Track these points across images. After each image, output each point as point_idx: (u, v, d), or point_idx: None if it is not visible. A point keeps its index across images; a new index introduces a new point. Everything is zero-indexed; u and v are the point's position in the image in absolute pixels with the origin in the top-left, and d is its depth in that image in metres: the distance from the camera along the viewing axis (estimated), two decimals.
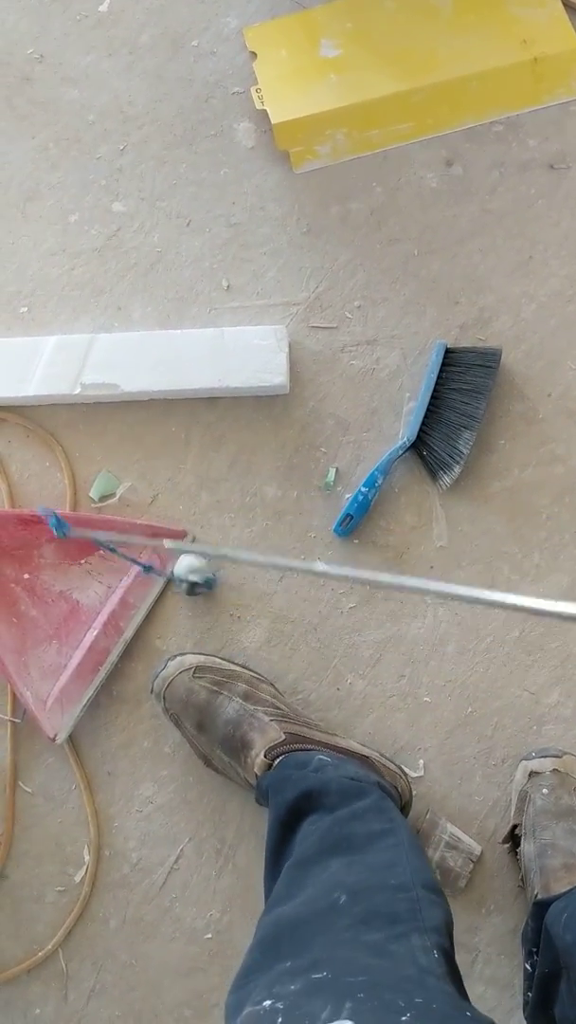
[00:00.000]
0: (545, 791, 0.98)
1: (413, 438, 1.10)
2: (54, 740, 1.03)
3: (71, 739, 1.06)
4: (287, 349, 1.12)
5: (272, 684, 1.04)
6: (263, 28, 1.25)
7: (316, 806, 0.85)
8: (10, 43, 1.27)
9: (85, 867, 1.05)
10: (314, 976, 0.59)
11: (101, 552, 1.09)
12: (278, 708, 0.99)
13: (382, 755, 1.00)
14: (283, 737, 0.95)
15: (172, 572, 1.06)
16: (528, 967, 0.91)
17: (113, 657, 1.07)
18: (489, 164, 1.21)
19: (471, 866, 1.02)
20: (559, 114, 1.22)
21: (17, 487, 1.13)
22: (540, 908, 0.89)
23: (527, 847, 0.96)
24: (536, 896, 0.92)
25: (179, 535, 1.10)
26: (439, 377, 1.10)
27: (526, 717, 1.06)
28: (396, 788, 0.97)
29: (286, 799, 0.86)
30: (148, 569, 1.05)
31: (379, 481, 1.09)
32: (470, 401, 1.10)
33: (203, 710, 0.98)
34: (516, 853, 1.00)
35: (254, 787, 0.96)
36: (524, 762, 1.02)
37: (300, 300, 1.17)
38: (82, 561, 1.09)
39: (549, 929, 0.85)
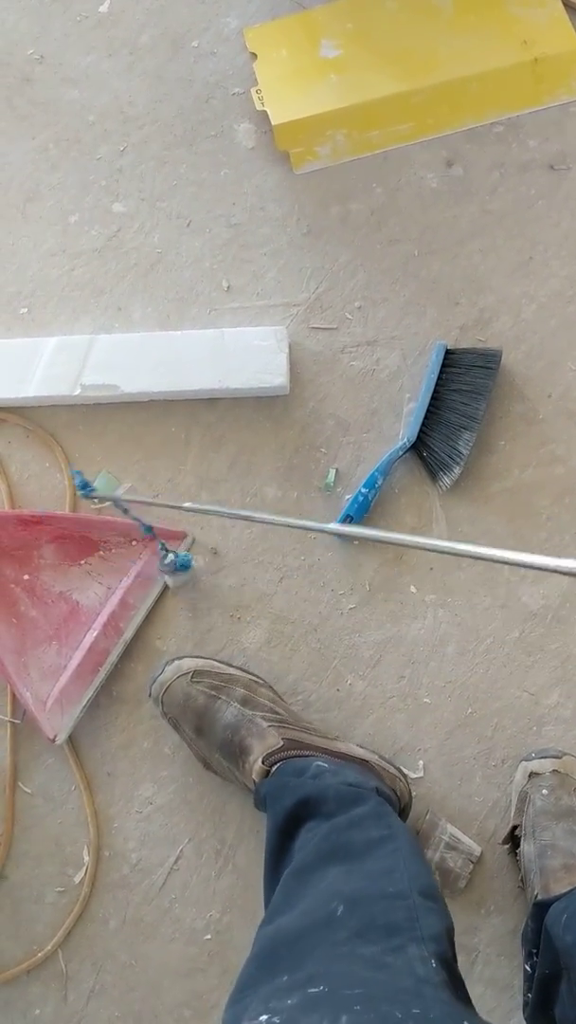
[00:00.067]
0: (545, 792, 0.98)
1: (413, 439, 1.10)
2: (54, 741, 1.03)
3: (71, 740, 1.06)
4: (287, 350, 1.12)
5: (271, 687, 1.04)
6: (263, 29, 1.25)
7: (314, 813, 0.85)
8: (10, 43, 1.27)
9: (85, 868, 1.05)
10: (311, 990, 0.59)
11: (101, 553, 1.09)
12: (276, 713, 0.98)
13: (381, 757, 1.00)
14: (281, 743, 0.95)
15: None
16: (528, 968, 0.91)
17: (113, 658, 1.07)
18: (489, 165, 1.21)
19: (471, 867, 1.02)
20: (559, 115, 1.22)
21: (17, 488, 1.13)
22: (540, 909, 0.89)
23: (527, 848, 0.96)
24: (536, 897, 0.92)
25: (179, 536, 1.10)
26: (439, 378, 1.10)
27: (526, 718, 1.06)
28: (395, 792, 0.97)
29: (284, 806, 0.86)
30: (148, 529, 1.02)
31: (379, 482, 1.09)
32: (470, 402, 1.10)
33: (201, 715, 0.98)
34: (516, 854, 1.00)
35: (253, 792, 0.96)
36: (524, 763, 1.02)
37: (300, 301, 1.17)
38: (82, 562, 1.09)
39: (549, 930, 0.85)
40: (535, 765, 1.00)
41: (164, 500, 1.09)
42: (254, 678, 1.03)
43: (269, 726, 0.96)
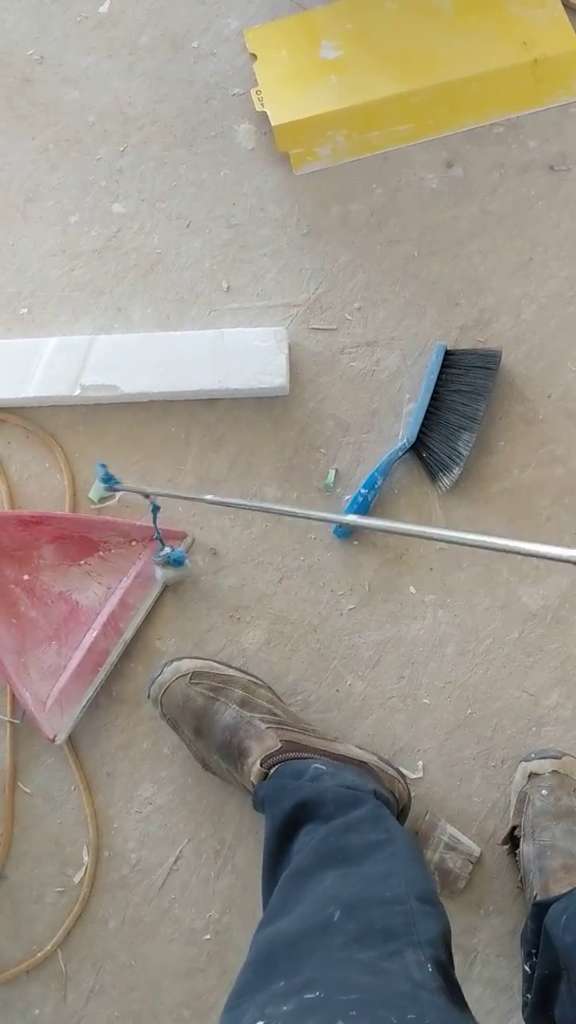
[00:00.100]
0: (544, 792, 0.98)
1: (413, 440, 1.10)
2: (54, 741, 1.03)
3: (70, 740, 1.06)
4: (287, 351, 1.12)
5: (270, 688, 1.04)
6: (263, 29, 1.26)
7: (312, 816, 0.85)
8: (10, 44, 1.27)
9: (84, 868, 1.05)
10: (307, 996, 0.59)
11: (100, 553, 1.09)
12: (275, 714, 0.98)
13: (380, 759, 1.00)
14: (279, 745, 0.95)
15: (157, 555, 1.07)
16: (527, 968, 0.91)
17: (113, 658, 1.07)
18: (489, 165, 1.21)
19: (470, 867, 1.02)
20: (559, 116, 1.22)
21: (17, 488, 1.13)
22: (539, 909, 0.89)
23: (526, 848, 0.96)
24: (535, 897, 0.92)
25: (179, 536, 1.10)
26: (439, 379, 1.10)
27: (525, 718, 1.06)
28: (394, 793, 0.97)
29: (282, 809, 0.86)
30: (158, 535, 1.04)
31: (379, 482, 1.09)
32: (470, 403, 1.10)
33: (200, 717, 0.98)
34: (515, 854, 1.00)
35: (251, 794, 0.96)
36: (523, 763, 1.02)
37: (300, 301, 1.17)
38: (82, 562, 1.09)
39: (549, 930, 0.85)
40: (534, 766, 1.00)
41: (186, 492, 1.09)
42: (253, 679, 1.03)
43: (267, 728, 0.96)
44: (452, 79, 1.21)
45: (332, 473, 1.12)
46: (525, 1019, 0.91)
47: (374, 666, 1.08)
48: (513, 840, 1.00)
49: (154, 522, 1.02)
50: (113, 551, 1.09)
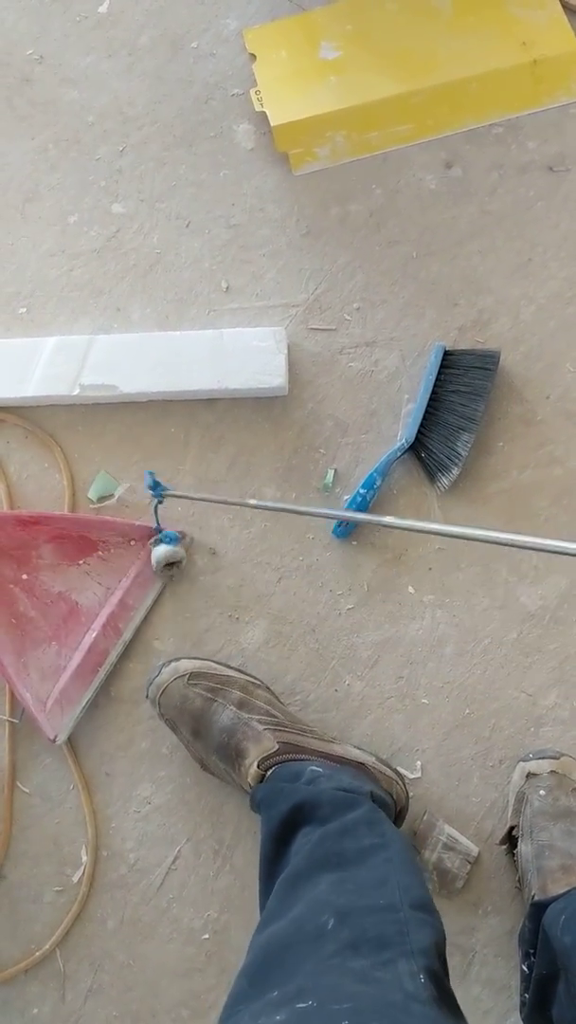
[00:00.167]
0: (542, 792, 0.98)
1: (411, 440, 1.10)
2: (54, 741, 1.03)
3: (69, 739, 1.06)
4: (286, 351, 1.12)
5: (268, 688, 1.04)
6: (263, 30, 1.26)
7: (309, 819, 0.85)
8: (10, 44, 1.27)
9: (83, 867, 1.05)
10: (299, 1005, 0.59)
11: (100, 553, 1.09)
12: (273, 715, 0.99)
13: (379, 759, 1.00)
14: (276, 747, 0.95)
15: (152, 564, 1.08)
16: (525, 968, 0.91)
17: (112, 658, 1.07)
18: (488, 166, 1.21)
19: (468, 867, 1.02)
20: (558, 116, 1.22)
21: (16, 488, 1.13)
22: (537, 909, 0.89)
23: (524, 848, 0.96)
24: (533, 897, 0.92)
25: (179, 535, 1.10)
26: (438, 379, 1.10)
27: (524, 719, 1.07)
28: (391, 795, 0.97)
29: (279, 812, 0.86)
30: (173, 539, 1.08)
31: (377, 483, 1.09)
32: (469, 403, 1.10)
33: (198, 718, 0.98)
34: (513, 854, 1.00)
35: (249, 795, 0.96)
36: (521, 763, 1.02)
37: (299, 302, 1.17)
38: (80, 562, 1.09)
39: (547, 931, 0.85)
40: (532, 766, 1.00)
41: (229, 497, 1.09)
42: (251, 679, 1.03)
43: (265, 729, 0.96)
44: (451, 80, 1.21)
45: (331, 473, 1.12)
46: (523, 1019, 0.91)
47: (372, 666, 1.08)
48: (511, 840, 1.00)
49: (155, 513, 1.04)
50: (112, 551, 1.10)
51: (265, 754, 0.94)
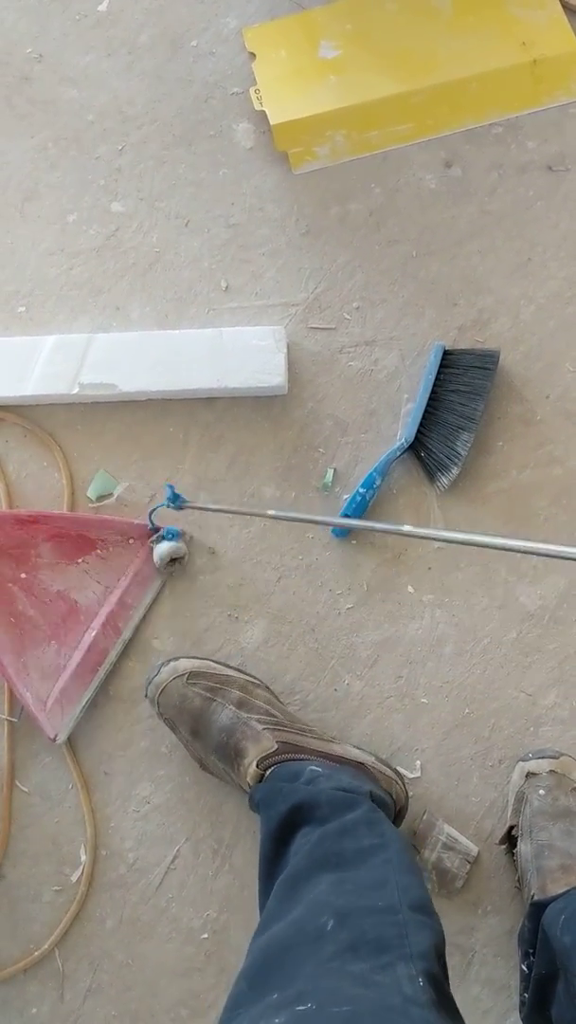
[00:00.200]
0: (542, 792, 0.98)
1: (411, 439, 1.10)
2: (55, 740, 1.03)
3: (68, 739, 1.06)
4: (285, 350, 1.12)
5: (267, 688, 1.04)
6: (262, 29, 1.26)
7: (308, 819, 0.85)
8: (9, 43, 1.27)
9: (82, 867, 1.05)
10: (298, 1008, 0.59)
11: (98, 551, 1.09)
12: (272, 715, 0.98)
13: (378, 759, 1.00)
14: (275, 747, 0.95)
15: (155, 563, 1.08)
16: (524, 968, 0.91)
17: (112, 657, 1.07)
18: (488, 166, 1.21)
19: (468, 867, 1.02)
20: (558, 116, 1.22)
21: (15, 487, 1.12)
22: (537, 909, 0.89)
23: (524, 848, 0.96)
24: (533, 897, 0.92)
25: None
26: (437, 378, 1.10)
27: (523, 718, 1.07)
28: (391, 794, 0.97)
29: (278, 812, 0.86)
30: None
31: (377, 482, 1.09)
32: (468, 403, 1.10)
33: (197, 717, 0.98)
34: (513, 854, 1.00)
35: (248, 795, 0.96)
36: (521, 763, 1.02)
37: (299, 301, 1.17)
38: (79, 560, 1.09)
39: (546, 931, 0.85)
40: (532, 765, 1.00)
41: (248, 508, 1.10)
42: (250, 679, 1.03)
43: (264, 729, 0.96)
44: (451, 79, 1.21)
45: (330, 473, 1.12)
46: (522, 1019, 0.91)
47: (372, 665, 1.08)
48: (511, 840, 1.00)
49: (150, 517, 1.06)
50: (111, 550, 1.09)
51: (264, 754, 0.94)
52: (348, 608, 1.09)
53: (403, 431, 1.12)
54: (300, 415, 1.14)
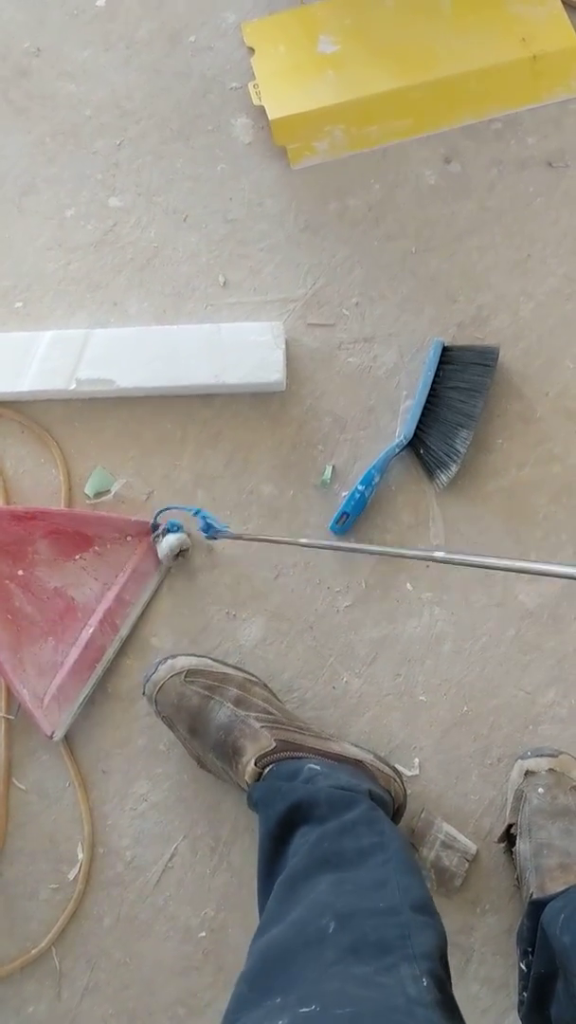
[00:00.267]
0: (541, 790, 0.98)
1: (410, 436, 1.09)
2: (51, 738, 1.03)
3: (65, 736, 1.06)
4: (284, 346, 1.11)
5: (266, 686, 1.03)
6: (261, 24, 1.25)
7: (307, 818, 0.84)
8: (7, 37, 1.27)
9: (79, 865, 1.05)
10: (302, 1011, 0.59)
11: (96, 548, 1.09)
12: (270, 713, 0.98)
13: (376, 757, 1.00)
14: (274, 745, 0.94)
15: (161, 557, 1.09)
16: (523, 967, 0.91)
17: (109, 654, 1.06)
18: (488, 162, 1.20)
19: (466, 865, 1.01)
20: (558, 112, 1.22)
21: (12, 483, 1.12)
22: (536, 908, 0.89)
23: (523, 846, 0.96)
24: (532, 896, 0.92)
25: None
26: (436, 375, 1.10)
27: (522, 716, 1.06)
28: (389, 792, 0.97)
29: (276, 812, 0.86)
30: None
31: (376, 479, 1.09)
32: (467, 400, 1.09)
33: (195, 715, 0.98)
34: (512, 852, 1.00)
35: (246, 794, 0.95)
36: (520, 761, 1.02)
37: (297, 297, 1.17)
38: (76, 557, 1.08)
39: (545, 929, 0.85)
40: (531, 763, 1.00)
41: (287, 538, 1.09)
42: (248, 677, 1.02)
43: (262, 727, 0.96)
44: (451, 75, 1.20)
45: (329, 470, 1.11)
46: (521, 1018, 0.91)
47: (370, 663, 1.08)
48: (509, 838, 1.00)
49: (154, 520, 1.06)
50: (109, 547, 1.09)
51: (262, 752, 0.94)
52: (346, 606, 1.09)
53: (402, 428, 1.12)
54: (298, 412, 1.13)
